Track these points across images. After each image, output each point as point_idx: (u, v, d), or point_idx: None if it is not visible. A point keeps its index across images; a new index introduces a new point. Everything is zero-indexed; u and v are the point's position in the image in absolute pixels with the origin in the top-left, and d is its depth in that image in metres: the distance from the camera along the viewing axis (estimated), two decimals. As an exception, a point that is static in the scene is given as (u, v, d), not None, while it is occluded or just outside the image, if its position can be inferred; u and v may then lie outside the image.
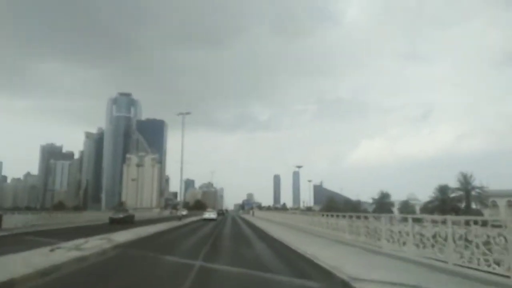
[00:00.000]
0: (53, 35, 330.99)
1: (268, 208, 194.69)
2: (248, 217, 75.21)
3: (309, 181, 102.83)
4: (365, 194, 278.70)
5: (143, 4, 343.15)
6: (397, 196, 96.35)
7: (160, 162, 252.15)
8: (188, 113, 48.10)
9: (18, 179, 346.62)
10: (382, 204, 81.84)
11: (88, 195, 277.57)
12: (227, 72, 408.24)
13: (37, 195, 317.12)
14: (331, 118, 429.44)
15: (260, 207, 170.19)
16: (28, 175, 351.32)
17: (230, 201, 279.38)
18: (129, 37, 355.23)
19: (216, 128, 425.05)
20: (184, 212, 69.28)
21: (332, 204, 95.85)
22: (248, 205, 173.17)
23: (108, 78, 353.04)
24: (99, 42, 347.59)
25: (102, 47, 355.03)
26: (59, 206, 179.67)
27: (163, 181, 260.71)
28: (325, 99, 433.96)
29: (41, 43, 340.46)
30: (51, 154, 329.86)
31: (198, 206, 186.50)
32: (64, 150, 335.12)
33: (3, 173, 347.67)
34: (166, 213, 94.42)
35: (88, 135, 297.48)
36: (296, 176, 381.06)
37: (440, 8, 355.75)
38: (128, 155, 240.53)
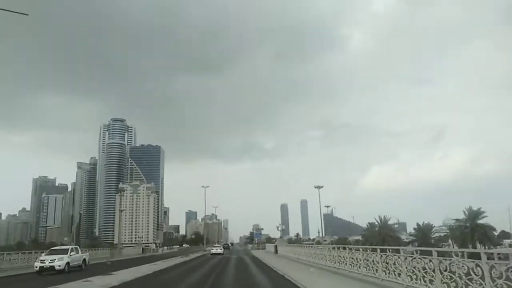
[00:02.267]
0: (46, 68, 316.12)
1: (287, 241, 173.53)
2: (264, 256, 43.20)
3: (327, 206, 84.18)
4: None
5: (140, 32, 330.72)
6: (411, 222, 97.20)
7: (157, 191, 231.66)
8: (207, 186, 59.35)
9: (14, 216, 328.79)
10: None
11: (81, 230, 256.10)
12: (229, 100, 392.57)
13: (29, 232, 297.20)
14: (338, 144, 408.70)
15: (268, 239, 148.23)
16: (23, 211, 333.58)
17: (235, 233, 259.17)
18: (125, 65, 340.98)
19: (219, 158, 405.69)
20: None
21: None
22: (257, 236, 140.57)
23: (104, 109, 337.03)
24: (95, 72, 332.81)
25: (98, 77, 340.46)
26: (50, 244, 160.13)
27: (161, 212, 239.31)
28: (332, 124, 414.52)
29: (37, 77, 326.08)
30: (44, 188, 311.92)
31: (197, 240, 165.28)
32: (57, 183, 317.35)
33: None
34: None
35: (80, 165, 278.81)
36: (304, 205, 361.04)
37: (448, 30, 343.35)
38: (121, 185, 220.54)
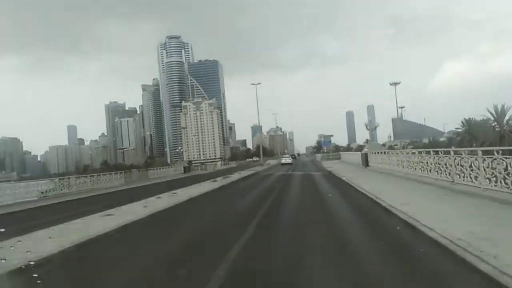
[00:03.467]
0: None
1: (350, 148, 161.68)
2: (351, 174, 24.81)
3: (401, 107, 67.79)
4: (452, 122, 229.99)
5: None
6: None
7: (219, 107, 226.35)
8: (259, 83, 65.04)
9: (96, 141, 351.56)
10: None
11: (153, 150, 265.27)
12: (288, 4, 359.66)
13: (109, 154, 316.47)
14: (408, 41, 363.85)
15: (337, 148, 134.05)
16: (102, 136, 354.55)
17: (300, 144, 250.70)
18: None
19: (280, 69, 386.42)
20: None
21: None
22: (326, 144, 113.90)
23: (162, 29, 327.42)
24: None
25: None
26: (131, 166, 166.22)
27: (225, 128, 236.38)
28: (401, 20, 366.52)
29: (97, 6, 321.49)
30: (116, 113, 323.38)
31: (264, 153, 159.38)
32: (127, 107, 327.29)
33: (80, 136, 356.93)
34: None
35: (144, 87, 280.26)
36: (370, 110, 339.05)
37: None
38: (183, 103, 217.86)
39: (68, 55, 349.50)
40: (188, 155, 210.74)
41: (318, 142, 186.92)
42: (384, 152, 27.75)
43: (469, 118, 56.64)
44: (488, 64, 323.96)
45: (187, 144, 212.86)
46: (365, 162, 32.09)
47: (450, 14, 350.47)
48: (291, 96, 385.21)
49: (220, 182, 27.06)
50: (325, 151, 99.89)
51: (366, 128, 47.85)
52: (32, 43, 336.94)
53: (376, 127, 50.78)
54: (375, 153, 30.32)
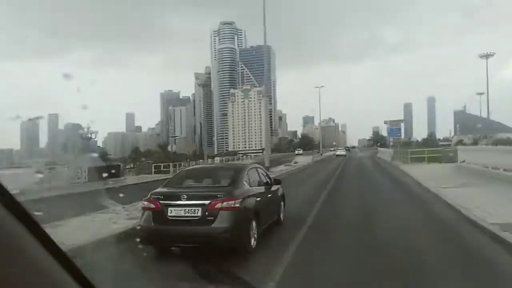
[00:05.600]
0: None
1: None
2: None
3: (479, 93, 51.33)
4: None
5: None
6: None
7: (269, 95, 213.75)
8: (322, 86, 68.45)
9: (152, 129, 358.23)
10: None
11: (202, 139, 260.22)
12: None
13: (161, 142, 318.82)
14: (478, 27, 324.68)
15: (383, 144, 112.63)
16: (159, 123, 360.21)
17: (353, 137, 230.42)
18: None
19: (337, 58, 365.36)
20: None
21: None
22: (394, 133, 76.92)
23: (216, 17, 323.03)
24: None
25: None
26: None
27: (274, 117, 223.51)
28: (471, 3, 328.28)
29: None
30: (170, 101, 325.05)
31: (307, 144, 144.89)
32: (181, 96, 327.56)
33: (137, 124, 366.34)
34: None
35: (197, 76, 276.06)
36: (431, 102, 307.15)
37: None
38: (232, 90, 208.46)
39: (126, 48, 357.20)
40: (233, 145, 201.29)
41: (376, 133, 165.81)
42: None
43: None
44: None
45: (233, 133, 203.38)
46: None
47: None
48: (348, 87, 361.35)
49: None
50: (391, 143, 68.06)
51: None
52: (95, 38, 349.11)
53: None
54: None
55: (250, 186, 7.26)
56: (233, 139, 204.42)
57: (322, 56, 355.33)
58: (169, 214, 6.27)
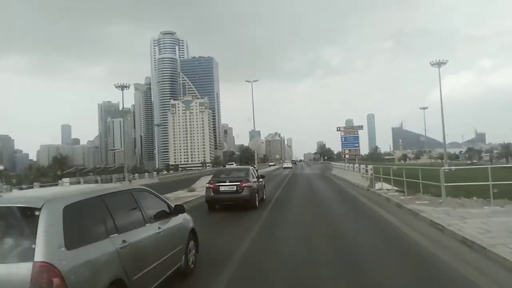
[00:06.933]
0: None
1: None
2: None
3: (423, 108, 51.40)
4: (454, 134, 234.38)
5: None
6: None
7: (212, 108, 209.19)
8: (256, 81, 58.49)
9: (91, 141, 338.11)
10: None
11: (143, 152, 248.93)
12: (293, 17, 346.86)
13: (100, 155, 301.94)
14: (410, 54, 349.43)
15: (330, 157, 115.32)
16: (98, 136, 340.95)
17: (299, 151, 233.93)
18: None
19: (283, 78, 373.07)
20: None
21: None
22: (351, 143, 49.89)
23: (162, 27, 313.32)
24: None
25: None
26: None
27: (219, 130, 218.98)
28: (403, 33, 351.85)
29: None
30: (108, 113, 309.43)
31: (248, 157, 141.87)
32: (120, 107, 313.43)
33: (74, 136, 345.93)
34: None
35: (137, 86, 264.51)
36: (371, 119, 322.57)
37: None
38: (172, 101, 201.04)
39: (67, 58, 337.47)
40: (175, 158, 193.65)
41: (321, 146, 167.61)
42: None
43: None
44: (489, 79, 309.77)
45: (174, 146, 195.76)
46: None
47: (452, 29, 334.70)
48: (294, 105, 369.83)
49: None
50: (346, 155, 47.04)
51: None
52: (32, 45, 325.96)
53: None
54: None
55: (253, 178, 14.17)
56: (174, 152, 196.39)
57: (268, 73, 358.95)
58: (221, 189, 13.22)
